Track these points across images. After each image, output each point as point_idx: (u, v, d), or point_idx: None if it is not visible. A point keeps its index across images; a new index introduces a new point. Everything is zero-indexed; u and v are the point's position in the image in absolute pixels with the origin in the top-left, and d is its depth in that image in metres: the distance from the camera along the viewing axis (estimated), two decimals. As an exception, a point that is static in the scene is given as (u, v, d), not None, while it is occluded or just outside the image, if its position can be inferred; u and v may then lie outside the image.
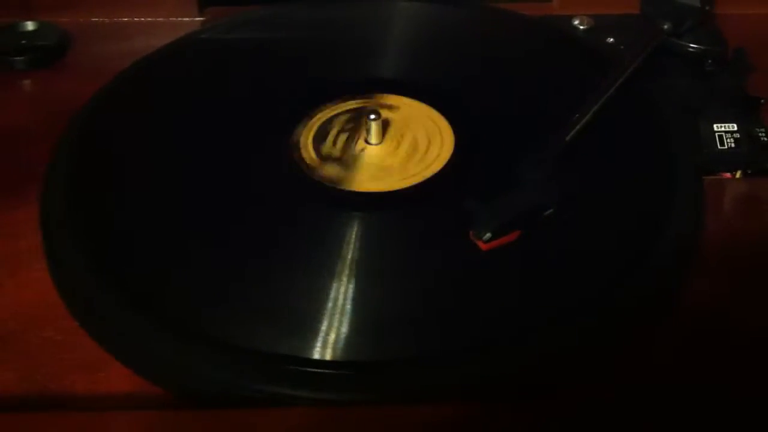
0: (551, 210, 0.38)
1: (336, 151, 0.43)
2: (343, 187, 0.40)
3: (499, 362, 0.33)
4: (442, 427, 0.30)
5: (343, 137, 0.43)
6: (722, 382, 0.33)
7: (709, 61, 0.46)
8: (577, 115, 0.41)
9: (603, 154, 0.42)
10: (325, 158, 0.42)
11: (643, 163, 0.42)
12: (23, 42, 0.53)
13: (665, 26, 0.47)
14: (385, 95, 0.46)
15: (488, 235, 0.36)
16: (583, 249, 0.37)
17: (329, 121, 0.44)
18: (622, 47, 0.49)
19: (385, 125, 0.43)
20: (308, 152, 0.42)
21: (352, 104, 0.45)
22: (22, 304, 0.37)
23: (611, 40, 0.50)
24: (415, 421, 0.30)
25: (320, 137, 0.43)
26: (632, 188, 0.40)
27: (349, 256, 0.37)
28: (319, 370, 0.32)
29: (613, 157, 0.42)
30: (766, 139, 0.43)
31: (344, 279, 0.36)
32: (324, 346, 0.33)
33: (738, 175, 0.43)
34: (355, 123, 0.44)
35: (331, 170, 0.41)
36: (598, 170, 0.41)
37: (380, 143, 0.43)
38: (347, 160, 0.42)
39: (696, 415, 0.31)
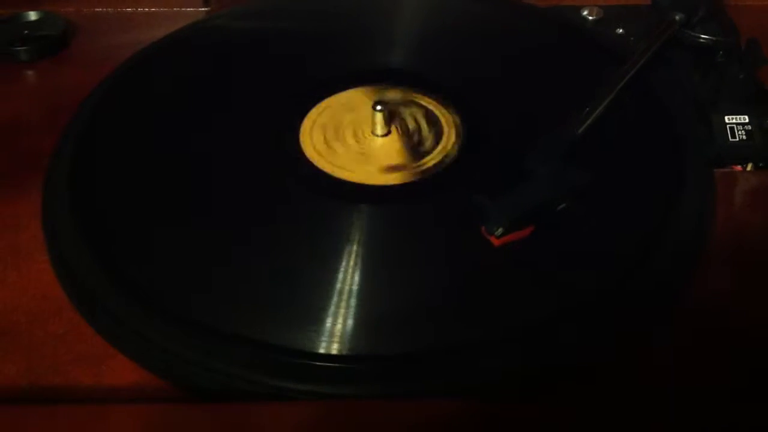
0: (564, 204, 0.37)
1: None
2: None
3: (499, 360, 0.32)
4: (443, 424, 0.30)
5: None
6: (722, 382, 0.32)
7: (721, 52, 0.45)
8: (589, 108, 0.41)
9: (614, 147, 0.41)
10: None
11: (653, 156, 0.41)
12: (26, 32, 0.52)
13: (676, 17, 0.46)
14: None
15: (500, 230, 0.36)
16: (590, 245, 0.36)
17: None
18: (632, 38, 0.49)
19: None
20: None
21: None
22: (25, 297, 0.37)
23: (621, 31, 0.50)
24: (417, 417, 0.30)
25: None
26: (643, 183, 0.40)
27: (354, 249, 0.36)
28: (322, 364, 0.32)
29: (623, 150, 0.41)
30: (778, 131, 0.43)
31: (349, 272, 0.35)
32: (328, 340, 0.33)
33: (749, 167, 0.43)
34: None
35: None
36: (609, 164, 0.40)
37: (385, 135, 0.42)
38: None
39: (696, 415, 0.30)
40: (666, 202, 0.38)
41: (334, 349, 0.33)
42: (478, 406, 0.30)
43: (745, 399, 0.31)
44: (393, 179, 0.40)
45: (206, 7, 0.55)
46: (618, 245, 0.36)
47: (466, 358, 0.32)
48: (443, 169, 0.40)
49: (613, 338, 0.34)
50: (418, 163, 0.41)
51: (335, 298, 0.34)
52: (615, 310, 0.34)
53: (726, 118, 0.43)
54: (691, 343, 0.34)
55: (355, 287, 0.35)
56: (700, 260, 0.37)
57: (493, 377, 0.32)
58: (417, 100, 0.44)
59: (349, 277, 0.35)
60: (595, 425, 0.30)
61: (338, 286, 0.35)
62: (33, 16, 0.53)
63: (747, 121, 0.43)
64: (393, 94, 0.45)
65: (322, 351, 0.33)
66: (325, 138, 0.42)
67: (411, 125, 0.43)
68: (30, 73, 0.51)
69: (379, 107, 0.42)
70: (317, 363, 0.32)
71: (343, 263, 0.36)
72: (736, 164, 0.43)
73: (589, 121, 0.40)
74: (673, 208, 0.38)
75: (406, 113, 0.44)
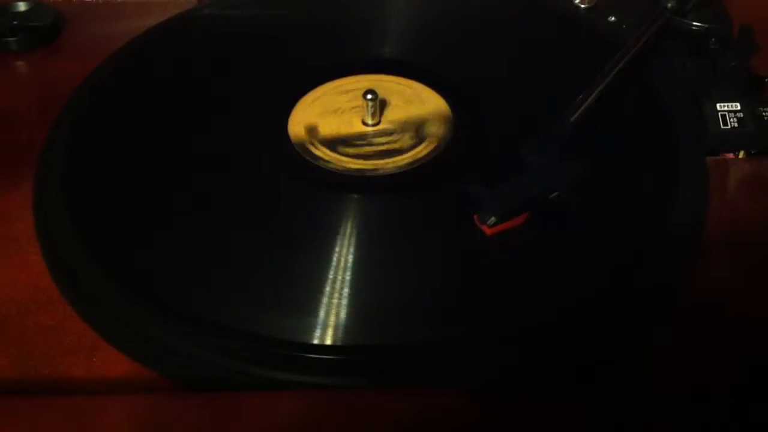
0: (556, 193, 0.37)
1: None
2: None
3: (498, 358, 0.32)
4: (439, 418, 0.30)
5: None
6: (722, 381, 0.32)
7: (714, 39, 0.45)
8: (582, 97, 0.41)
9: (607, 136, 0.41)
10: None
11: (646, 145, 0.41)
12: (16, 22, 0.52)
13: (669, 4, 0.46)
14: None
15: (493, 219, 0.35)
16: (585, 240, 0.36)
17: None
18: (624, 26, 0.49)
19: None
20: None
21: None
22: (17, 288, 0.37)
23: (613, 18, 0.49)
24: (409, 410, 0.30)
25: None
26: (636, 173, 0.39)
27: (346, 241, 0.36)
28: (313, 355, 0.32)
29: (617, 139, 0.41)
30: (770, 118, 0.43)
31: (343, 264, 0.35)
32: (318, 331, 0.33)
33: (741, 155, 0.43)
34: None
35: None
36: (601, 153, 0.40)
37: (377, 124, 0.42)
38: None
39: (696, 415, 0.30)
40: (664, 200, 0.38)
41: (329, 340, 0.33)
42: (476, 402, 0.30)
43: (746, 397, 0.31)
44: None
45: (197, -5, 0.55)
46: (616, 243, 0.36)
47: (463, 356, 0.32)
48: (437, 159, 0.40)
49: (612, 337, 0.34)
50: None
51: (329, 290, 0.34)
52: (614, 308, 0.34)
53: (718, 105, 0.43)
54: (690, 341, 0.34)
55: (348, 280, 0.34)
56: (698, 256, 0.37)
57: (491, 375, 0.32)
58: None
59: (343, 269, 0.35)
60: (594, 425, 0.30)
61: (332, 278, 0.34)
62: (23, 6, 0.53)
63: (739, 108, 0.43)
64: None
65: (316, 342, 0.32)
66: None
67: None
68: (20, 63, 0.51)
69: (370, 96, 0.41)
70: (310, 354, 0.32)
71: (337, 255, 0.35)
72: (728, 152, 0.43)
73: (581, 109, 0.40)
74: (671, 207, 0.37)
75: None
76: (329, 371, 0.32)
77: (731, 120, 0.43)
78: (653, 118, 0.42)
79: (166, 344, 0.33)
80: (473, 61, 0.46)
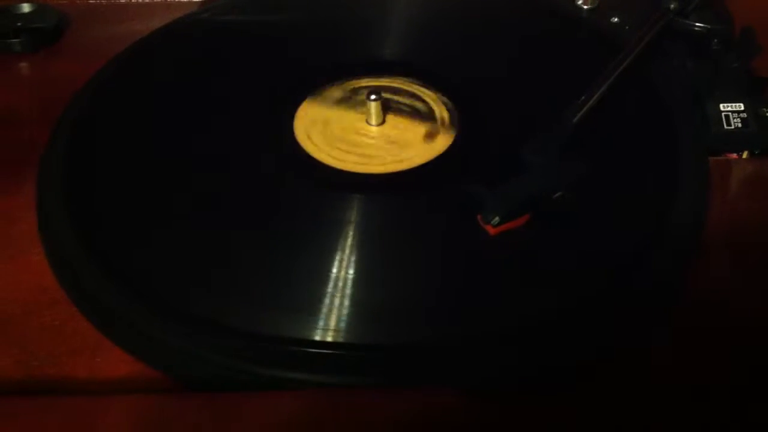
0: (559, 193, 0.37)
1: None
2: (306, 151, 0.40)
3: (498, 358, 0.32)
4: (439, 416, 0.30)
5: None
6: (722, 381, 0.32)
7: (716, 40, 0.45)
8: (584, 97, 0.41)
9: (609, 136, 0.41)
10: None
11: (648, 146, 0.41)
12: (19, 24, 0.52)
13: (671, 5, 0.46)
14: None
15: (497, 219, 0.36)
16: (585, 240, 0.36)
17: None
18: (627, 27, 0.49)
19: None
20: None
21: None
22: (20, 289, 0.37)
23: (616, 19, 0.49)
24: (409, 410, 0.30)
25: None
26: (636, 173, 0.39)
27: (348, 240, 0.36)
28: (313, 351, 0.32)
29: (619, 139, 0.41)
30: (773, 119, 0.43)
31: (343, 262, 0.35)
32: (319, 330, 0.33)
33: (744, 155, 0.43)
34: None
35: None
36: (602, 153, 0.40)
37: (380, 124, 0.42)
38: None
39: (696, 415, 0.30)
40: (664, 200, 0.38)
41: (330, 338, 0.33)
42: (476, 402, 0.30)
43: (746, 397, 0.31)
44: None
45: (199, -2, 0.55)
46: (616, 244, 0.36)
47: (463, 356, 0.32)
48: (439, 159, 0.40)
49: (613, 338, 0.34)
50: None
51: (331, 290, 0.34)
52: (614, 308, 0.34)
53: (721, 105, 0.43)
54: (690, 341, 0.34)
55: (350, 279, 0.35)
56: (699, 256, 0.37)
57: (491, 375, 0.32)
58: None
59: (345, 268, 0.35)
60: (594, 425, 0.30)
61: (334, 277, 0.35)
62: (27, 8, 0.53)
63: (742, 108, 0.43)
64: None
65: (317, 339, 0.33)
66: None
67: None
68: (23, 65, 0.51)
69: (373, 97, 0.42)
70: (312, 349, 0.32)
71: (339, 254, 0.35)
72: (732, 152, 0.43)
73: (584, 111, 0.40)
74: (671, 207, 0.37)
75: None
76: (329, 370, 0.32)
77: (735, 120, 0.43)
78: (654, 118, 0.42)
79: (170, 344, 0.33)
80: (474, 61, 0.46)
